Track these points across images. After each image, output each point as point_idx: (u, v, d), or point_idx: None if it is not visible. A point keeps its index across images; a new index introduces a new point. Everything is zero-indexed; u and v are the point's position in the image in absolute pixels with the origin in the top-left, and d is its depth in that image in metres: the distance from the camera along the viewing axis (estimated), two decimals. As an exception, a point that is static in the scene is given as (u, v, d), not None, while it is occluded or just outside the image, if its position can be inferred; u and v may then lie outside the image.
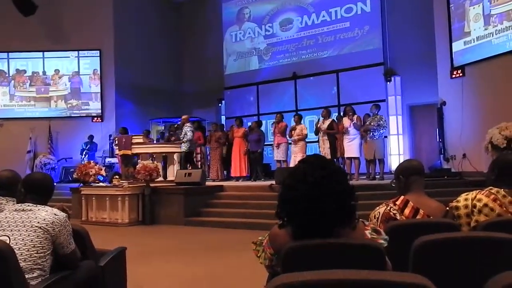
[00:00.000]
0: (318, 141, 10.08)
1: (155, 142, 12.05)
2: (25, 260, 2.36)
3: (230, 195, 9.16)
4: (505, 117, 7.64)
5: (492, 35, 8.66)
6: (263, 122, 12.44)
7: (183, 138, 10.67)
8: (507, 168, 2.52)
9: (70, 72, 14.44)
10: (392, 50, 11.75)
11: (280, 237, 1.77)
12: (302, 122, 10.36)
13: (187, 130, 10.77)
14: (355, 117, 9.34)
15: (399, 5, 11.60)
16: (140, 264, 5.03)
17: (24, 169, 12.68)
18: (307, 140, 10.19)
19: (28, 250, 2.39)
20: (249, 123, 11.48)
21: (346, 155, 9.42)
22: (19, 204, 2.57)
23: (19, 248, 2.36)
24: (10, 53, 14.28)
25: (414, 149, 11.73)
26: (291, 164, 9.99)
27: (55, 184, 2.91)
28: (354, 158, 9.38)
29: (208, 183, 9.88)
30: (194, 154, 11.44)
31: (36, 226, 2.43)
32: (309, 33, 13.04)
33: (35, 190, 2.63)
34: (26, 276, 2.34)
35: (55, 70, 14.43)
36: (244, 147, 10.99)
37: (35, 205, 2.53)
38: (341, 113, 10.25)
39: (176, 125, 11.68)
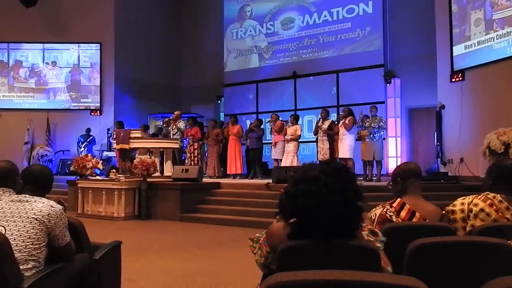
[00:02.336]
0: (316, 141, 10.09)
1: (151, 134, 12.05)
2: (20, 251, 2.36)
3: (226, 192, 9.16)
4: (503, 123, 7.65)
5: (493, 40, 8.67)
6: (262, 120, 12.44)
7: (176, 134, 10.73)
8: (504, 174, 2.52)
9: (70, 65, 14.42)
10: (392, 52, 11.75)
11: (277, 236, 1.76)
12: (299, 122, 10.38)
13: (181, 126, 10.84)
14: (348, 118, 9.35)
15: (401, 7, 11.60)
16: (135, 258, 5.03)
17: (21, 161, 12.66)
18: (303, 140, 10.22)
19: (23, 241, 2.38)
20: (248, 121, 11.47)
21: (339, 156, 9.43)
22: (16, 195, 2.57)
23: (14, 239, 2.36)
24: (10, 44, 14.25)
25: (411, 151, 11.75)
26: (282, 163, 10.03)
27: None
28: (347, 159, 9.33)
29: (204, 180, 9.88)
30: (192, 150, 11.40)
31: (32, 218, 2.43)
32: (310, 33, 13.02)
33: (32, 181, 2.63)
34: (21, 267, 2.33)
35: (55, 62, 14.40)
36: (239, 145, 11.02)
37: (31, 196, 2.53)
38: (340, 114, 10.26)
39: (167, 119, 11.58)
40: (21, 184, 2.67)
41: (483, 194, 2.49)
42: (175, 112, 11.22)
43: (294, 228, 1.67)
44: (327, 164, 1.70)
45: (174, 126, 11.06)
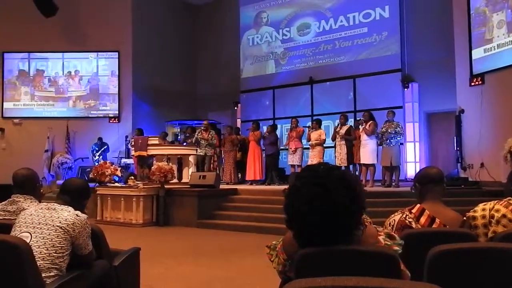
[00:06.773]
0: (334, 147, 10.02)
1: (174, 142, 12.16)
2: (43, 259, 2.39)
3: (243, 198, 9.16)
4: (524, 127, 7.52)
5: (513, 43, 8.53)
6: (278, 126, 12.45)
7: (212, 140, 10.83)
8: (526, 179, 2.47)
9: (88, 73, 14.65)
10: (410, 56, 11.65)
11: (293, 243, 1.75)
12: (320, 127, 10.31)
13: (213, 134, 10.91)
14: (368, 123, 9.26)
15: (418, 11, 11.51)
16: (154, 265, 5.05)
17: (42, 168, 12.87)
18: (324, 145, 10.13)
19: (47, 249, 2.41)
20: (265, 127, 11.48)
21: (361, 161, 9.36)
22: (45, 203, 2.62)
23: (38, 246, 2.40)
24: (30, 53, 14.55)
25: (430, 157, 11.60)
26: None
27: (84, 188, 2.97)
28: (369, 165, 9.28)
29: (222, 186, 9.89)
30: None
31: (57, 226, 2.46)
32: (326, 38, 13.00)
33: (65, 192, 2.73)
34: (43, 275, 2.36)
35: (74, 71, 14.65)
36: (259, 151, 11.02)
37: (59, 205, 2.58)
38: (359, 119, 10.14)
39: (199, 129, 11.70)
40: (57, 192, 2.80)
41: (505, 199, 2.44)
42: (204, 122, 11.35)
43: (294, 233, 1.68)
44: (307, 167, 1.76)
45: (206, 135, 11.06)
